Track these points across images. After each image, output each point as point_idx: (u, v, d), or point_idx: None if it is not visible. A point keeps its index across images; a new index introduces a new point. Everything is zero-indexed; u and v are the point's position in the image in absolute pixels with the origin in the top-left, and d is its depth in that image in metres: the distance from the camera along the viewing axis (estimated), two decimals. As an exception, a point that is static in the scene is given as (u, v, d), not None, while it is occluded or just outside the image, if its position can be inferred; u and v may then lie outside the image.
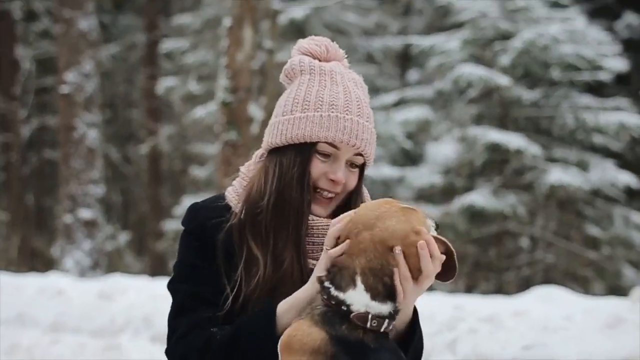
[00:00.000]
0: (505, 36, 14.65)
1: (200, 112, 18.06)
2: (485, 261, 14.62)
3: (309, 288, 2.56)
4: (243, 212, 2.76)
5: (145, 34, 22.97)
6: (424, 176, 14.75)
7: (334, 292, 2.41)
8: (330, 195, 2.76)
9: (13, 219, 22.88)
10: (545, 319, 8.61)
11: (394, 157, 16.24)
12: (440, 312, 9.05)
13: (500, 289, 13.57)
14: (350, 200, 2.79)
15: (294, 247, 2.71)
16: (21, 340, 10.01)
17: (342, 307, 2.39)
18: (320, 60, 2.84)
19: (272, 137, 2.77)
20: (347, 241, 2.48)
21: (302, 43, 2.87)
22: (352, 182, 2.79)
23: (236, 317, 2.68)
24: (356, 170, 2.79)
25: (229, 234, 2.76)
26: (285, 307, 2.60)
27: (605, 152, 14.99)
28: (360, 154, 2.75)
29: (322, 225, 2.75)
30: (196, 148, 22.07)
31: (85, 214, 15.19)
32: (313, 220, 2.75)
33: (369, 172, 2.92)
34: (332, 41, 2.91)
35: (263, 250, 2.72)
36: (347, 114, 2.72)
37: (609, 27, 16.71)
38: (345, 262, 2.44)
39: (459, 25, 15.35)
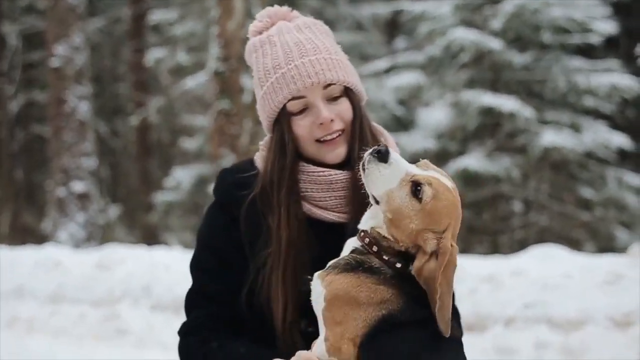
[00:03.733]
0: (496, 0, 14.63)
1: (190, 83, 18.00)
2: (479, 224, 14.67)
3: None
4: (260, 187, 2.85)
5: (131, 6, 22.86)
6: (417, 141, 14.75)
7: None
8: (333, 136, 2.79)
9: (3, 195, 22.83)
10: (544, 277, 8.66)
11: (386, 123, 16.22)
12: (439, 273, 9.11)
13: (495, 252, 13.62)
14: (355, 130, 2.82)
15: (295, 218, 2.79)
16: (20, 312, 10.03)
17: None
18: (271, 27, 2.91)
19: (263, 123, 2.89)
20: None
21: (250, 27, 2.95)
22: (346, 112, 2.81)
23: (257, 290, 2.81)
24: (341, 100, 2.80)
25: (251, 205, 2.85)
26: None
27: (597, 114, 15.02)
28: (330, 84, 2.77)
29: (340, 179, 2.80)
30: (185, 120, 22.02)
31: (78, 186, 15.16)
32: (331, 174, 2.79)
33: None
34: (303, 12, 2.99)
35: (275, 221, 2.80)
36: (289, 64, 2.76)
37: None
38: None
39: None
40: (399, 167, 2.49)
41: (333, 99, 2.78)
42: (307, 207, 2.81)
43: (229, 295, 2.84)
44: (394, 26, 20.16)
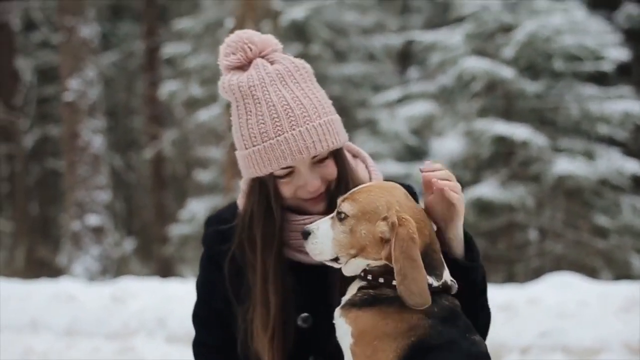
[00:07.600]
0: (507, 29, 14.65)
1: (203, 115, 18.05)
2: (494, 253, 14.62)
3: None
4: (238, 243, 2.85)
5: (144, 40, 23.00)
6: (430, 171, 14.69)
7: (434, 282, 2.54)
8: (316, 194, 2.76)
9: (18, 230, 22.88)
10: (560, 305, 8.64)
11: (399, 153, 16.26)
12: (454, 302, 9.07)
13: (510, 281, 13.57)
14: (338, 185, 2.77)
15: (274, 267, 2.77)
16: (35, 345, 10.01)
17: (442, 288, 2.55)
18: (248, 64, 2.74)
19: (242, 172, 2.80)
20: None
21: (222, 60, 2.76)
22: (331, 173, 2.75)
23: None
24: (326, 162, 2.74)
25: (233, 260, 2.86)
26: None
27: (611, 141, 14.97)
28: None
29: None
30: (199, 152, 22.07)
31: (92, 220, 15.19)
32: (309, 218, 2.77)
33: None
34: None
35: (259, 280, 2.80)
36: (278, 134, 2.64)
37: (608, 17, 16.70)
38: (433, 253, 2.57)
39: (459, 20, 15.35)
40: (318, 225, 2.58)
41: (319, 162, 2.72)
42: (289, 252, 2.79)
43: (226, 347, 2.90)
44: (405, 56, 20.24)
